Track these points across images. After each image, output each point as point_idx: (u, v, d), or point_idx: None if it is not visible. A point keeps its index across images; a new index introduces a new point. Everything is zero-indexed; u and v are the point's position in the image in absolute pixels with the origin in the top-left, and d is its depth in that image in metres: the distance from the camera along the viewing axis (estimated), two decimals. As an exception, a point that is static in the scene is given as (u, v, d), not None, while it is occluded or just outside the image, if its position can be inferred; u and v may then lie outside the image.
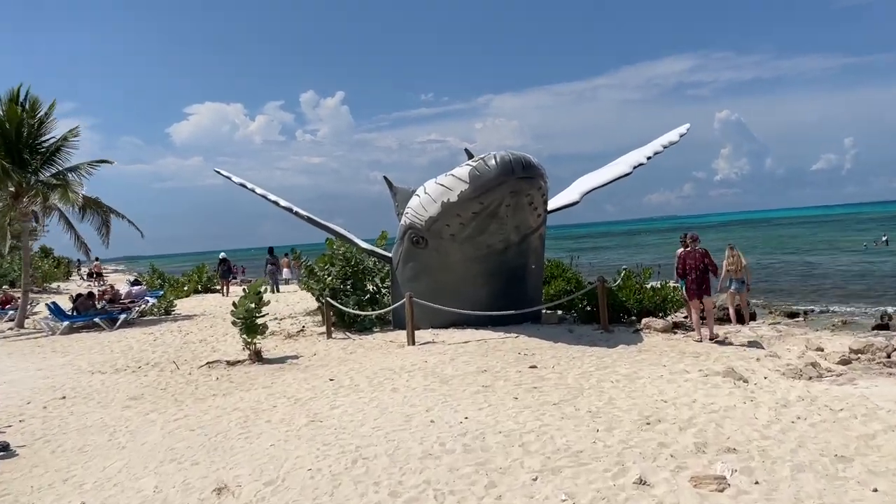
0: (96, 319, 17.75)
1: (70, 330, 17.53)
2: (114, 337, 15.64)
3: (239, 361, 10.55)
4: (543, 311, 13.09)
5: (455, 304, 11.78)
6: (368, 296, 14.23)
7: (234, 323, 10.59)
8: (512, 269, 12.34)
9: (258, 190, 13.81)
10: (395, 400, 7.29)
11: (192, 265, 32.93)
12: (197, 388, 8.97)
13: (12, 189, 18.88)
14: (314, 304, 19.13)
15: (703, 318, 10.57)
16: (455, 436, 5.81)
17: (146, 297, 23.33)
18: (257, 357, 10.57)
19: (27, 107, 19.18)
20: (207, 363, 10.57)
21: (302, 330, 14.06)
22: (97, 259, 52.50)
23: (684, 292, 10.81)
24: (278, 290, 27.01)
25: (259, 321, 10.64)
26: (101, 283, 44.87)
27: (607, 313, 11.51)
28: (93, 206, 19.94)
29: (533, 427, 5.98)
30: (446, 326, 12.42)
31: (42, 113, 19.31)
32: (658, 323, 11.40)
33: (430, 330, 12.20)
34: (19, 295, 32.51)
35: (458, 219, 11.22)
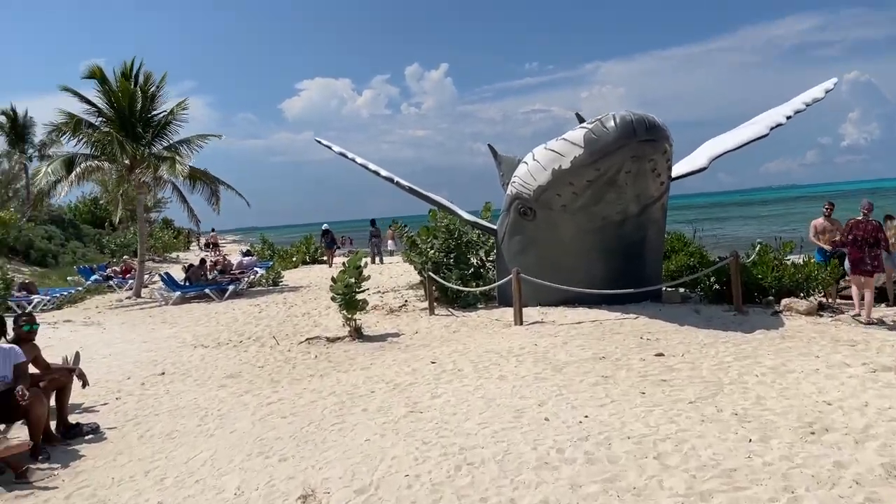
0: (206, 290, 18.01)
1: (182, 300, 17.88)
2: (221, 308, 15.73)
3: (339, 338, 10.10)
4: (664, 288, 11.92)
5: (566, 280, 10.84)
6: (472, 270, 13.50)
7: (333, 298, 10.13)
8: (630, 243, 11.25)
9: (358, 160, 13.30)
10: (503, 390, 6.52)
11: (303, 236, 33.39)
12: (294, 368, 8.55)
13: (127, 161, 19.38)
14: (417, 278, 18.67)
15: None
16: (574, 440, 4.97)
17: (255, 268, 23.73)
18: (357, 334, 10.08)
19: (140, 81, 19.59)
20: (307, 339, 10.19)
21: (404, 305, 13.54)
22: (213, 230, 54.81)
23: (847, 267, 9.46)
24: (381, 262, 27.04)
25: (359, 297, 10.12)
26: (217, 253, 46.78)
27: (741, 292, 10.24)
28: (202, 178, 20.21)
29: (668, 432, 5.04)
30: (556, 304, 11.51)
31: (154, 87, 19.68)
32: (801, 304, 10.02)
33: (537, 308, 11.34)
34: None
35: (570, 188, 10.23)
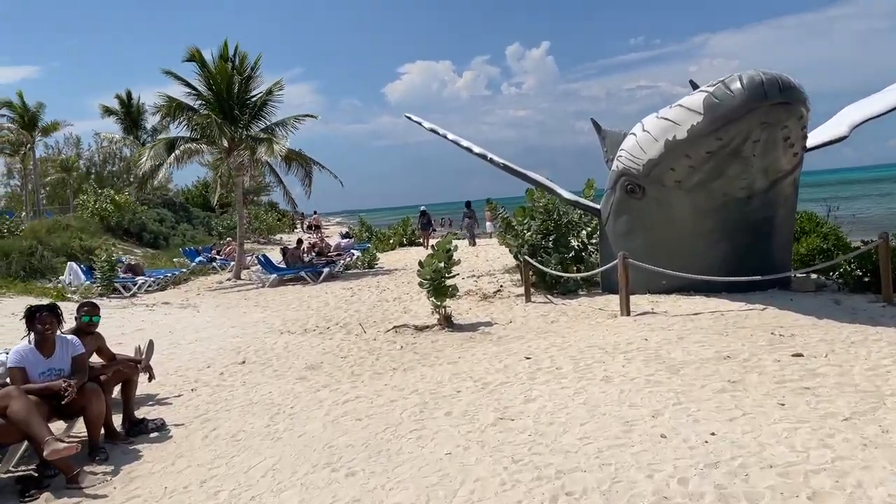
0: (302, 273, 17.86)
1: (278, 283, 17.81)
2: (314, 291, 15.46)
3: (427, 327, 9.41)
4: (793, 275, 10.50)
5: (679, 265, 9.68)
6: (573, 253, 12.48)
7: (420, 284, 9.44)
8: (755, 224, 9.94)
9: (449, 136, 12.52)
10: (609, 395, 5.58)
11: (401, 218, 33.18)
12: (378, 359, 7.91)
13: (225, 144, 19.48)
14: (514, 261, 17.79)
15: None
16: (700, 466, 4.00)
17: (352, 250, 23.56)
18: (447, 322, 9.36)
19: (236, 63, 19.59)
20: (394, 328, 9.56)
21: (499, 290, 12.71)
22: (315, 212, 55.79)
23: None
24: (474, 244, 26.39)
25: (448, 283, 9.37)
26: (319, 235, 47.55)
27: (890, 280, 8.77)
28: (296, 159, 20.07)
29: (821, 460, 3.98)
30: (667, 292, 10.37)
31: (249, 68, 19.63)
32: (968, 296, 8.44)
33: (646, 296, 10.24)
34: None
35: (686, 161, 9.05)
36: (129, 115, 41.85)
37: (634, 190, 10.28)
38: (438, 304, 9.37)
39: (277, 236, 41.99)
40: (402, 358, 7.85)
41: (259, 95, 19.95)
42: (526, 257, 11.24)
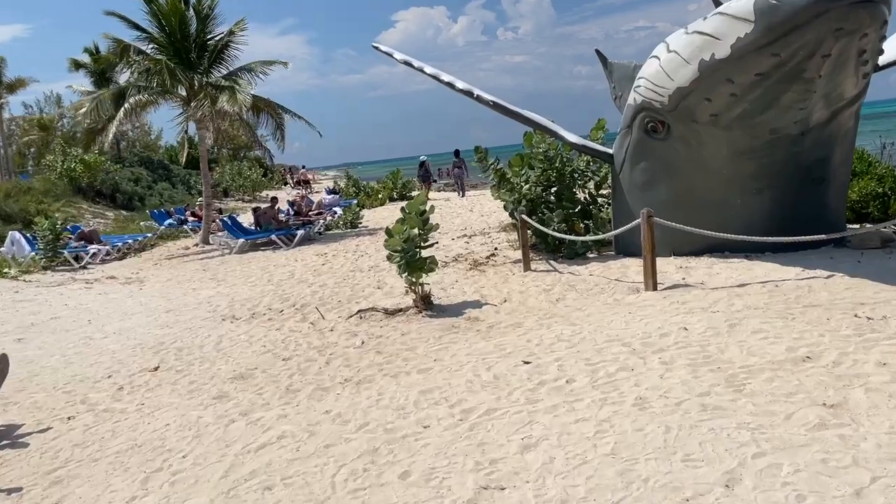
0: (272, 236, 15.87)
1: (249, 247, 15.87)
2: (283, 258, 13.52)
3: (400, 310, 7.46)
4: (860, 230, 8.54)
5: (712, 220, 7.71)
6: (579, 208, 10.45)
7: (389, 258, 7.44)
8: (807, 167, 7.95)
9: (427, 69, 10.35)
10: (649, 437, 3.67)
11: (390, 171, 30.99)
12: (328, 364, 5.98)
13: (183, 93, 17.28)
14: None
15: None
16: None
17: (334, 208, 21.54)
18: (424, 304, 7.41)
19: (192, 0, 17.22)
20: (359, 312, 7.61)
21: (493, 255, 10.73)
22: (304, 167, 53.42)
23: None
24: (463, 195, 25.51)
25: (425, 254, 7.39)
26: (308, 191, 45.37)
27: None
28: (266, 108, 17.87)
29: None
30: (697, 253, 8.42)
31: (206, 6, 17.24)
32: None
33: (671, 259, 8.29)
34: (233, 205, 32.90)
35: (727, 87, 6.99)
36: (98, 67, 39.12)
37: (657, 128, 8.22)
38: (414, 281, 7.39)
39: (264, 193, 39.76)
40: (359, 362, 5.90)
41: (220, 37, 17.62)
42: (523, 216, 9.22)
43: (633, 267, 8.41)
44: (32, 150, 47.96)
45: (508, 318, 6.77)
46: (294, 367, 5.99)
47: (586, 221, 10.44)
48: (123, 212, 29.18)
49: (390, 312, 7.43)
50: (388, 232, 7.26)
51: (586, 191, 10.95)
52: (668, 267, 7.92)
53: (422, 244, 7.35)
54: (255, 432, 4.50)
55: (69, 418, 5.24)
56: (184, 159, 22.33)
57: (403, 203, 26.49)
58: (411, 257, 7.19)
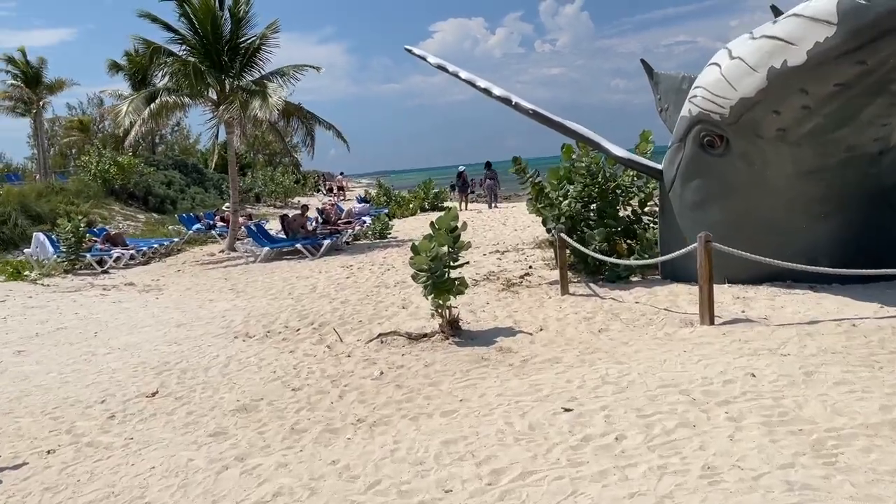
0: (298, 245, 15.34)
1: (272, 255, 15.37)
2: (308, 269, 12.96)
3: (425, 336, 6.79)
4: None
5: (770, 246, 6.94)
6: (622, 227, 9.68)
7: (414, 277, 6.77)
8: (881, 191, 7.13)
9: (462, 73, 9.70)
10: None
11: (422, 180, 30.42)
12: (341, 398, 5.32)
13: (213, 96, 16.90)
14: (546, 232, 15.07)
15: None
16: None
17: (363, 217, 21.03)
18: (451, 329, 6.73)
19: (228, 2, 16.85)
20: (380, 336, 6.94)
21: (527, 274, 10.01)
22: (342, 173, 53.25)
23: None
24: (496, 206, 25.41)
25: (454, 274, 6.71)
26: (342, 197, 45.06)
27: None
28: (296, 114, 17.41)
29: None
30: (755, 281, 7.62)
31: (242, 8, 16.86)
32: None
33: (727, 287, 7.50)
34: (263, 210, 32.66)
35: (800, 99, 6.21)
36: (138, 71, 39.32)
37: (714, 143, 7.45)
38: (442, 303, 6.71)
39: (296, 199, 39.51)
40: (375, 397, 5.23)
41: (252, 40, 17.22)
42: (562, 234, 8.49)
43: (682, 295, 7.63)
44: (74, 150, 48.57)
45: (545, 350, 6.05)
46: (303, 399, 5.34)
47: (629, 241, 9.68)
48: (155, 215, 29.05)
49: (414, 338, 6.76)
50: (415, 249, 6.60)
51: (629, 207, 10.19)
52: (724, 296, 7.13)
53: (451, 263, 6.68)
54: (249, 485, 3.86)
55: (49, 452, 4.65)
56: (213, 164, 22.03)
57: (434, 214, 26.05)
58: (438, 278, 6.52)
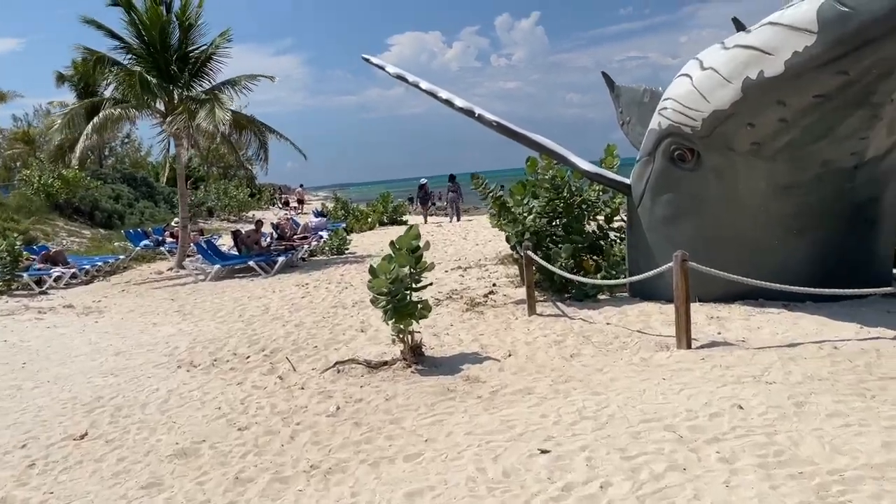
0: (251, 263, 14.69)
1: (223, 273, 14.70)
2: (261, 288, 12.35)
3: (385, 364, 6.31)
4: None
5: (743, 263, 6.70)
6: (588, 243, 9.37)
7: (373, 301, 6.29)
8: (856, 207, 6.94)
9: (423, 84, 9.30)
10: None
11: (380, 193, 29.89)
12: (293, 438, 4.81)
13: (161, 108, 16.18)
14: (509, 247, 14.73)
15: None
16: None
17: (320, 232, 20.43)
18: (413, 356, 6.27)
19: (175, 7, 16.18)
20: (336, 365, 6.43)
21: (491, 293, 9.61)
22: (301, 186, 52.35)
23: None
24: (459, 219, 25.14)
25: (416, 296, 6.26)
26: (299, 210, 44.16)
27: None
28: (248, 126, 16.79)
29: None
30: (726, 300, 7.35)
31: (191, 16, 16.20)
32: None
33: (698, 306, 7.19)
34: (217, 226, 31.72)
35: (778, 111, 5.96)
36: (85, 80, 37.99)
37: (684, 157, 7.18)
38: (403, 329, 6.25)
39: (251, 213, 38.57)
40: (331, 438, 4.73)
41: (203, 48, 16.56)
42: (528, 252, 8.11)
43: (654, 315, 7.31)
44: (18, 164, 46.74)
45: (515, 379, 5.63)
46: (250, 440, 4.82)
47: (595, 257, 9.37)
48: (101, 230, 27.92)
49: (373, 366, 6.28)
50: (373, 271, 6.13)
51: (595, 222, 9.89)
52: (698, 316, 6.81)
53: (413, 286, 6.23)
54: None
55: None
56: (164, 177, 21.18)
57: (393, 227, 25.45)
58: (399, 301, 6.06)
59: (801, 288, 6.07)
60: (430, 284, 6.95)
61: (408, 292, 6.18)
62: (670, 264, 5.94)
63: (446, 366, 6.18)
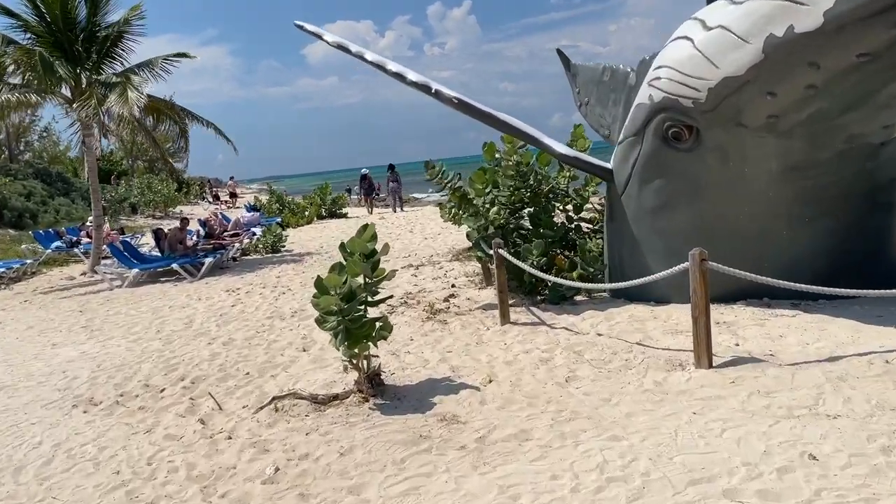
0: (174, 265, 13.10)
1: (149, 276, 13.10)
2: (185, 296, 10.85)
3: (335, 398, 5.04)
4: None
5: (746, 257, 5.75)
6: (560, 237, 8.28)
7: (320, 322, 4.99)
8: (874, 191, 6.04)
9: (368, 55, 7.98)
10: None
11: (317, 186, 28.28)
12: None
13: (67, 92, 14.33)
14: (462, 239, 13.58)
15: None
16: None
17: (253, 228, 18.86)
18: (371, 386, 5.02)
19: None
20: (274, 401, 5.12)
21: (452, 296, 8.43)
22: (232, 178, 49.89)
23: None
24: (402, 210, 24.72)
25: (373, 312, 5.01)
26: (230, 204, 41.96)
27: None
28: (167, 112, 15.09)
29: None
30: (727, 299, 6.37)
31: (99, -11, 14.35)
32: None
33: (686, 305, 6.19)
34: (142, 223, 29.49)
35: (808, 74, 4.94)
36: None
37: (681, 135, 6.13)
38: (358, 354, 4.99)
39: (178, 209, 36.26)
40: (268, 523, 3.47)
41: (112, 26, 14.74)
42: (500, 250, 6.93)
43: (648, 321, 6.27)
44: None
45: (504, 416, 4.45)
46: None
47: (568, 253, 8.29)
48: (11, 231, 25.50)
49: (321, 401, 5.00)
50: (320, 285, 4.83)
51: (563, 213, 8.81)
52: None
53: (369, 299, 4.98)
54: None
55: None
56: (85, 173, 19.15)
57: (333, 221, 23.85)
58: (354, 322, 4.80)
59: (840, 290, 5.04)
60: (391, 297, 5.70)
61: (363, 308, 4.92)
62: (685, 265, 4.86)
63: (412, 398, 4.96)
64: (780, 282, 4.99)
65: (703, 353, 4.77)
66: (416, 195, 38.85)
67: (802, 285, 4.73)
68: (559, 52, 13.79)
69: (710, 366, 4.78)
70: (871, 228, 6.24)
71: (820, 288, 4.70)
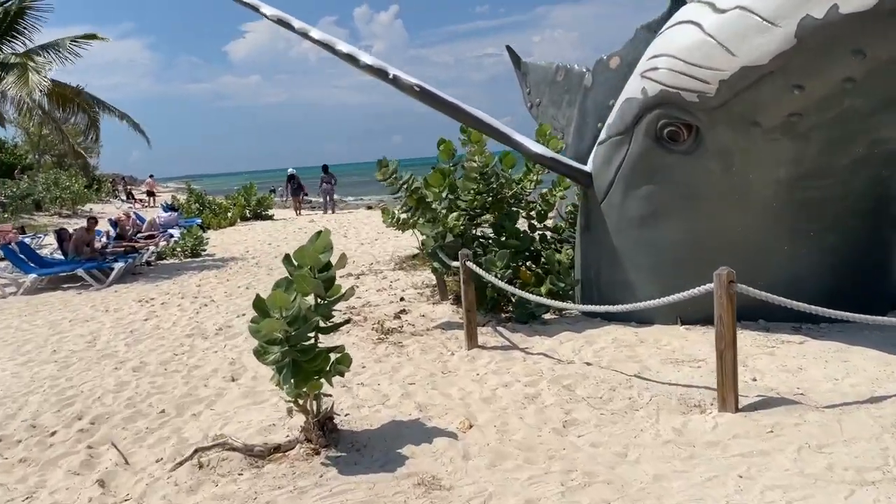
0: (79, 271, 11.58)
1: (48, 283, 11.55)
2: (90, 307, 9.47)
3: (277, 450, 3.98)
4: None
5: (741, 273, 4.93)
6: (525, 247, 7.43)
7: (259, 354, 3.92)
8: (885, 202, 5.46)
9: (314, 33, 6.82)
10: None
11: (241, 185, 26.72)
12: None
13: (-46, 72, 12.59)
14: (403, 243, 12.64)
15: None
16: None
17: (170, 230, 17.34)
18: (322, 434, 3.99)
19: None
20: (197, 454, 4.00)
21: (403, 311, 7.44)
22: (151, 176, 47.16)
23: None
24: (333, 212, 24.37)
25: (326, 340, 4.00)
26: (147, 203, 39.58)
27: None
28: (75, 98, 13.52)
29: None
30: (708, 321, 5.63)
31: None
32: None
33: (682, 330, 5.50)
34: (47, 223, 27.09)
35: (849, 65, 4.24)
36: None
37: (677, 135, 5.37)
38: (307, 394, 3.95)
39: (87, 207, 33.74)
40: None
41: (11, 3, 13.10)
42: (469, 263, 5.99)
43: (637, 347, 5.47)
44: None
45: (498, 479, 3.51)
46: None
47: (534, 266, 7.46)
48: None
49: (258, 454, 3.94)
50: (260, 306, 3.77)
51: (526, 221, 7.98)
52: (704, 347, 5.06)
53: (323, 324, 3.95)
54: None
55: None
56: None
57: (258, 223, 22.41)
58: (304, 353, 3.76)
59: (868, 316, 4.30)
60: (348, 322, 4.68)
61: (313, 335, 3.89)
62: (709, 286, 4.05)
63: (376, 449, 3.96)
64: (818, 308, 4.21)
65: (730, 393, 3.97)
66: (345, 199, 37.61)
67: (842, 312, 3.99)
68: (509, 49, 13.02)
69: (737, 409, 3.99)
70: (880, 243, 5.67)
71: (864, 316, 3.97)
